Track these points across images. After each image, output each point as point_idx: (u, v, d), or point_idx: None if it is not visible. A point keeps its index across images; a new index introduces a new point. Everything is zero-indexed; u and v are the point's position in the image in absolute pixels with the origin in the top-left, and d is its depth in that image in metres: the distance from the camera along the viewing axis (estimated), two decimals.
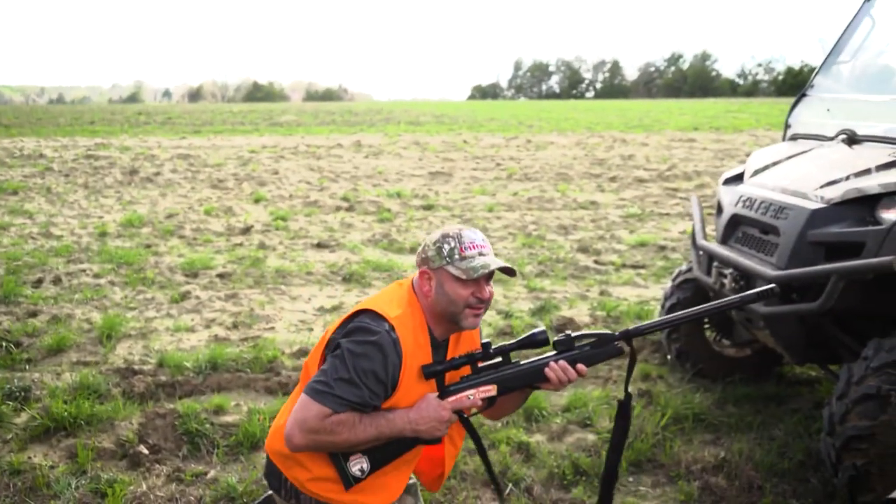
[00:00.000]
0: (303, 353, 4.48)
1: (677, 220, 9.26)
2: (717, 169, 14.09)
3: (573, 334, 1.97)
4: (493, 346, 1.98)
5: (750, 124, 27.47)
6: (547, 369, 1.94)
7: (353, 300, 5.72)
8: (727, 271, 3.46)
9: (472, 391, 1.94)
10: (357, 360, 1.86)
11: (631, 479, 3.19)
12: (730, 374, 4.08)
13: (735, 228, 3.65)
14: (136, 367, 4.20)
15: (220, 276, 6.32)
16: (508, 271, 1.96)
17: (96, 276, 6.26)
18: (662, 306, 4.27)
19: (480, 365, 1.98)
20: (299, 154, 16.90)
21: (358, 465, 1.93)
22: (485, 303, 1.96)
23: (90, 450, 3.23)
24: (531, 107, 56.76)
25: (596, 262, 7.06)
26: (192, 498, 2.87)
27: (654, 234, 8.36)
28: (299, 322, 5.21)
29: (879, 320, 3.23)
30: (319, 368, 1.93)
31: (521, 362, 1.98)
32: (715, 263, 3.60)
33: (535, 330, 1.98)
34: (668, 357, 4.32)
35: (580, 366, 1.95)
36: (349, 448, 1.90)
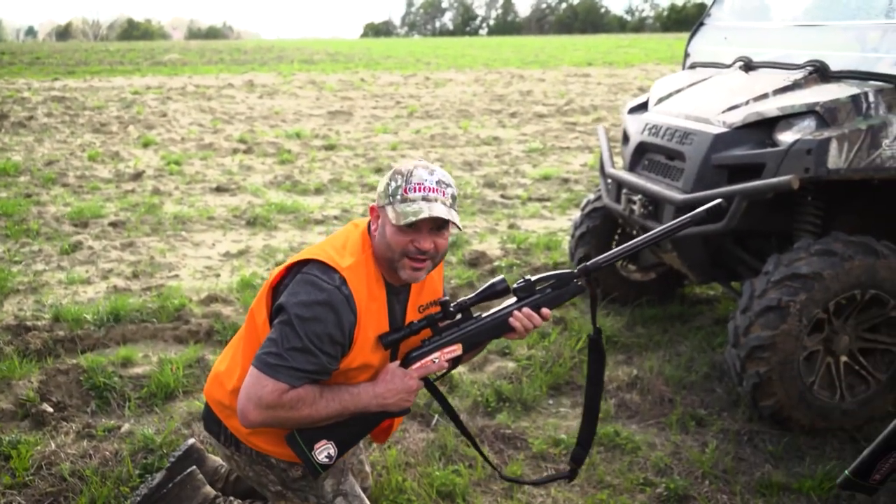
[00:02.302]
0: (212, 299, 4.32)
1: (578, 154, 9.46)
2: (613, 102, 14.44)
3: (532, 279, 1.89)
4: (453, 303, 1.87)
5: (640, 59, 28.20)
6: (511, 319, 1.85)
7: (260, 244, 5.54)
8: (636, 197, 3.55)
9: (436, 354, 1.84)
10: (307, 325, 1.69)
11: (551, 401, 3.29)
12: (637, 297, 4.25)
13: (642, 156, 3.74)
14: (28, 323, 3.91)
15: (113, 224, 5.94)
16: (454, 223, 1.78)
17: None
18: (572, 236, 4.36)
19: (441, 325, 1.87)
20: (188, 95, 15.99)
21: (324, 451, 1.79)
22: (426, 255, 1.78)
23: None
24: (426, 44, 55.95)
25: (503, 196, 7.13)
26: (107, 453, 2.73)
27: (556, 167, 8.51)
28: (205, 268, 5.00)
29: (775, 238, 3.44)
30: (267, 336, 1.75)
31: (483, 315, 1.89)
32: (624, 191, 3.69)
33: (494, 280, 1.87)
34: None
35: (544, 310, 1.87)
36: (311, 424, 1.77)
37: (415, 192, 1.76)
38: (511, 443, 2.91)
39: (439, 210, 1.75)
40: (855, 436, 2.93)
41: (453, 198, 1.82)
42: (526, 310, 1.87)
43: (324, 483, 2.00)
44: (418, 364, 1.84)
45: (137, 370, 3.45)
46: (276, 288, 1.86)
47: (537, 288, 1.90)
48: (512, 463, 2.77)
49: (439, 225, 1.79)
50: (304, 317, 1.70)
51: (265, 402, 1.69)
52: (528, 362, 3.54)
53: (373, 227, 1.84)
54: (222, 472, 2.42)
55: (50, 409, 3.06)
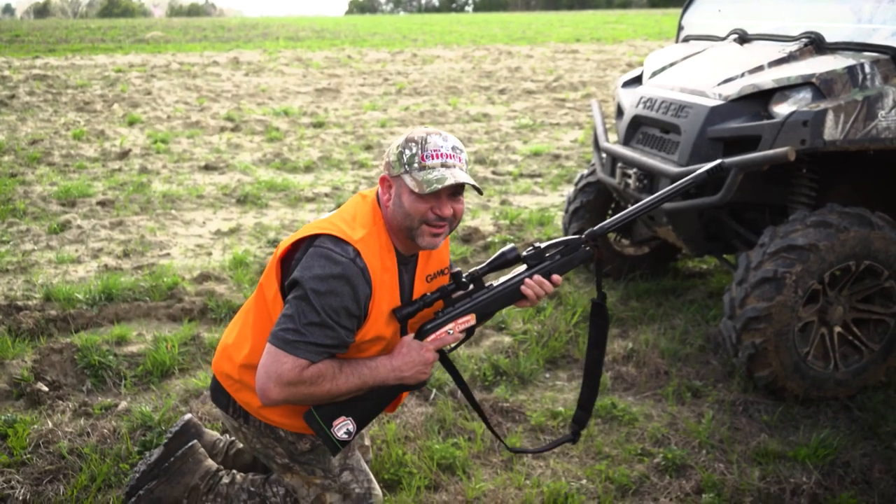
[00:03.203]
0: (205, 277, 4.29)
1: (568, 130, 9.43)
2: (602, 78, 14.39)
3: (542, 246, 1.90)
4: (464, 274, 1.88)
5: (628, 35, 28.07)
6: (523, 287, 1.86)
7: (251, 222, 5.50)
8: (631, 171, 3.55)
9: (450, 325, 1.84)
10: (324, 299, 1.68)
11: (547, 375, 3.31)
12: (631, 271, 4.26)
13: (636, 129, 3.73)
14: (19, 302, 3.87)
15: (102, 203, 5.88)
16: (474, 187, 1.77)
17: None
18: (566, 210, 4.36)
19: (454, 296, 1.87)
20: (172, 73, 15.77)
21: (343, 427, 1.79)
22: (445, 220, 1.78)
23: None
24: (412, 21, 55.43)
25: (494, 172, 7.11)
26: (105, 431, 2.72)
27: (547, 143, 8.49)
28: (196, 247, 4.96)
29: (769, 211, 3.46)
30: (282, 312, 1.74)
31: (495, 284, 1.90)
32: (619, 164, 3.68)
33: (504, 248, 1.87)
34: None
35: (555, 276, 1.88)
36: (331, 399, 1.76)
37: (432, 158, 1.74)
38: (509, 416, 2.92)
39: (462, 175, 1.75)
40: (848, 405, 2.96)
41: (466, 162, 1.82)
42: (537, 277, 1.87)
43: (331, 456, 2.00)
44: (433, 336, 1.84)
45: (132, 348, 3.43)
46: (286, 262, 1.84)
47: (547, 255, 1.91)
48: (511, 435, 2.79)
49: (457, 190, 1.78)
50: (320, 291, 1.69)
51: (286, 379, 1.68)
52: (525, 337, 3.54)
53: (384, 198, 1.82)
54: (221, 446, 2.42)
55: (45, 388, 3.04)
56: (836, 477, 2.53)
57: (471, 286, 1.90)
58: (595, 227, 1.93)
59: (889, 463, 2.60)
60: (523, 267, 1.92)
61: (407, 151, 1.76)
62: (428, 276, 1.95)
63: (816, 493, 2.44)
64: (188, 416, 2.45)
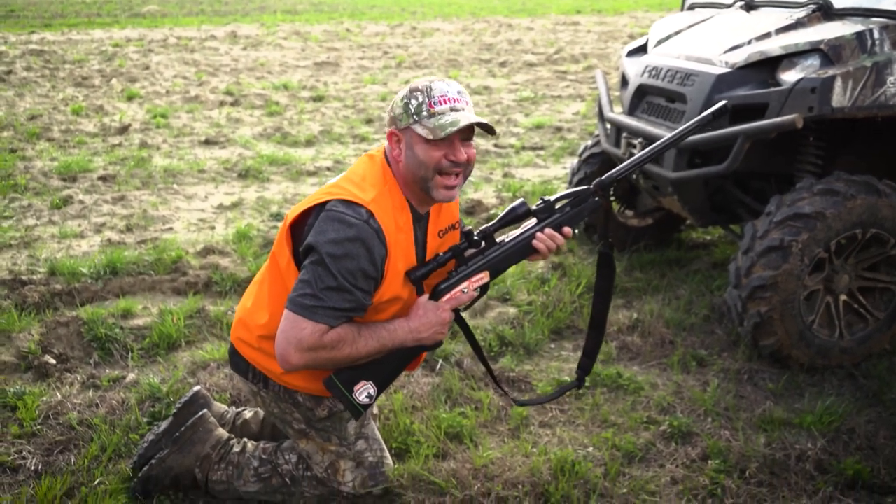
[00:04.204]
0: (208, 251, 4.28)
1: (569, 102, 9.36)
2: (603, 50, 14.25)
3: (551, 199, 1.90)
4: (476, 232, 1.88)
5: (629, 6, 27.73)
6: (535, 241, 1.86)
7: (253, 196, 5.48)
8: (636, 141, 3.52)
9: (465, 284, 1.84)
10: (340, 262, 1.67)
11: (552, 345, 3.32)
12: (635, 242, 4.26)
13: (641, 99, 3.70)
14: (24, 277, 3.87)
15: (103, 178, 5.85)
16: (486, 128, 1.77)
17: None
18: (570, 182, 4.34)
19: (467, 254, 1.87)
20: (170, 47, 15.60)
21: (364, 391, 1.80)
22: (460, 166, 1.77)
23: None
24: None
25: (496, 145, 7.07)
26: (113, 402, 2.74)
27: (548, 116, 8.43)
28: (199, 221, 4.95)
29: (774, 180, 3.44)
30: (298, 278, 1.73)
31: (507, 240, 1.90)
32: (624, 134, 3.66)
33: (514, 203, 1.86)
34: (576, 231, 4.44)
35: (565, 229, 1.89)
36: (351, 363, 1.77)
37: (441, 104, 1.73)
38: (515, 386, 2.94)
39: (473, 116, 1.75)
40: (853, 373, 2.98)
41: (472, 106, 1.81)
42: (548, 230, 1.88)
43: (347, 424, 2.02)
44: (448, 295, 1.85)
45: (138, 322, 3.44)
46: (297, 228, 1.83)
47: (556, 207, 1.91)
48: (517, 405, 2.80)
49: (468, 135, 1.77)
50: (336, 255, 1.68)
51: (306, 345, 1.69)
52: (529, 307, 3.55)
53: (394, 153, 1.80)
54: (228, 417, 2.44)
55: (53, 361, 3.05)
56: (841, 443, 2.54)
57: (483, 243, 1.90)
58: (603, 177, 1.93)
59: (894, 429, 2.62)
60: (533, 221, 1.92)
61: (413, 101, 1.74)
62: (440, 231, 1.95)
63: (822, 458, 2.45)
64: (197, 387, 2.47)
